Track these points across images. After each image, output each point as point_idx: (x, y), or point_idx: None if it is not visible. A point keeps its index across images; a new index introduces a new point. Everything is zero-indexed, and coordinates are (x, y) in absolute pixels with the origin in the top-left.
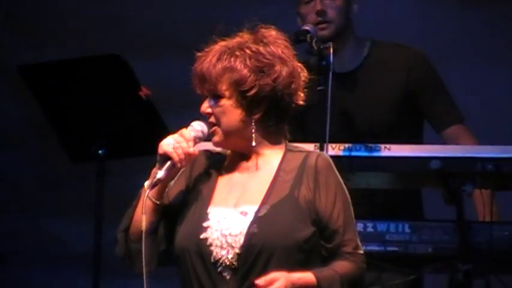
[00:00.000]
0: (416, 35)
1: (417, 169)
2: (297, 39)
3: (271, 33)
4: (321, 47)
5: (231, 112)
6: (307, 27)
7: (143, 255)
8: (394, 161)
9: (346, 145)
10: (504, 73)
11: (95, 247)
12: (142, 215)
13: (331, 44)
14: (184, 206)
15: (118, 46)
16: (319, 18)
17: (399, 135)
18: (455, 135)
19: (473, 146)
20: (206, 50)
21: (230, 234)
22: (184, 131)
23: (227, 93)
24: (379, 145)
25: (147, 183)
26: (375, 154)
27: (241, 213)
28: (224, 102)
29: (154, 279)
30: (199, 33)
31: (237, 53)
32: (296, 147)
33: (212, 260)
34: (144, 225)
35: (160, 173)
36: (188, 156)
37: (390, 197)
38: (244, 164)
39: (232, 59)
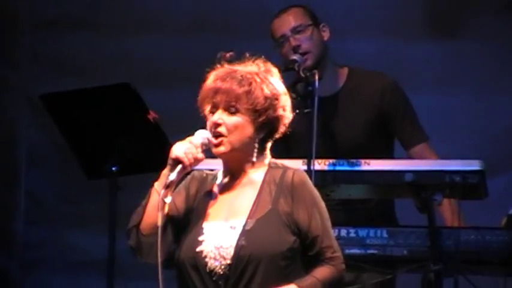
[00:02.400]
0: (386, 64)
1: (393, 181)
2: (286, 67)
3: (272, 66)
4: (307, 74)
5: (243, 127)
6: (294, 57)
7: (159, 249)
8: (373, 174)
9: (331, 161)
10: (464, 96)
11: (109, 254)
12: (158, 212)
13: (316, 71)
14: (184, 220)
15: (128, 76)
16: (297, 54)
17: (373, 154)
18: (420, 152)
19: (442, 161)
20: (220, 67)
21: (222, 247)
22: (192, 138)
23: (243, 111)
24: (360, 160)
25: (157, 184)
26: (356, 168)
27: (231, 227)
28: (240, 116)
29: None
30: (199, 65)
31: (257, 79)
32: (276, 164)
33: (207, 270)
34: (160, 221)
35: (172, 176)
36: (196, 161)
37: (367, 205)
38: (234, 181)
39: (254, 84)
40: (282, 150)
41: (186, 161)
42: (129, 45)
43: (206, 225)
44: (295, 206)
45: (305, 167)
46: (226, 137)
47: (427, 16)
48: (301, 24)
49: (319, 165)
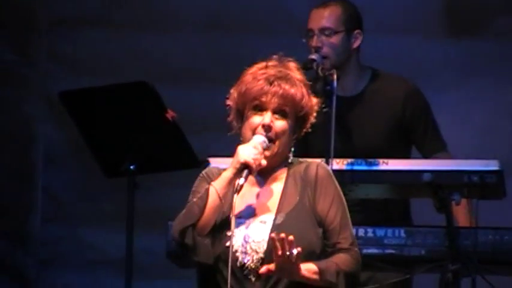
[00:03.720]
0: (404, 63)
1: (411, 181)
2: (305, 67)
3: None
4: (326, 73)
5: (288, 132)
6: (313, 57)
7: (230, 253)
8: (390, 174)
9: (349, 160)
10: (483, 96)
11: (127, 252)
12: (232, 217)
13: (335, 71)
14: None
15: (145, 74)
16: (317, 53)
17: (390, 157)
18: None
19: (461, 161)
20: (261, 66)
21: (254, 241)
22: (255, 143)
23: (290, 115)
24: (378, 160)
25: (215, 184)
26: (374, 168)
27: (261, 222)
28: (287, 121)
29: (178, 280)
30: (216, 64)
31: (302, 81)
32: (298, 159)
33: (238, 264)
34: (233, 225)
35: (242, 180)
36: (259, 166)
37: (384, 205)
38: (259, 177)
39: (304, 90)
40: (301, 148)
41: (254, 167)
42: (146, 43)
43: (234, 220)
44: (317, 197)
45: None
46: (274, 142)
47: (445, 15)
48: (330, 28)
49: (337, 164)
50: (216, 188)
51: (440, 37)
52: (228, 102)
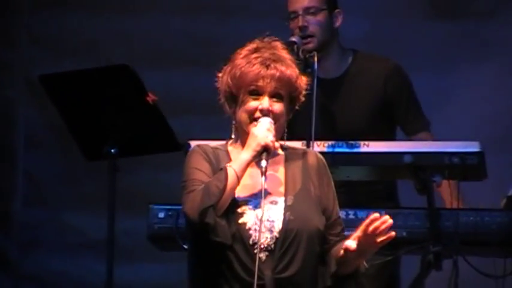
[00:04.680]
0: (383, 44)
1: (392, 163)
2: (285, 49)
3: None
4: (307, 56)
5: (284, 115)
6: (294, 39)
7: (259, 234)
8: (372, 156)
9: (330, 142)
10: (463, 77)
11: (109, 235)
12: (262, 200)
13: (315, 53)
14: None
15: (127, 57)
16: (301, 33)
17: (374, 137)
18: (422, 139)
19: (441, 142)
20: (251, 49)
21: (268, 220)
22: (267, 125)
23: (285, 97)
24: (359, 142)
25: (233, 165)
26: (355, 150)
27: (271, 202)
28: (282, 103)
29: (159, 263)
30: (197, 46)
31: (289, 62)
32: (287, 145)
33: (251, 242)
34: (263, 207)
35: (264, 162)
36: (275, 148)
37: (369, 187)
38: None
39: (294, 68)
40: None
41: (272, 149)
42: (127, 25)
43: (243, 199)
44: (322, 189)
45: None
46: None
47: None
48: (314, 6)
49: (318, 147)
50: (235, 169)
51: (420, 19)
52: (218, 85)
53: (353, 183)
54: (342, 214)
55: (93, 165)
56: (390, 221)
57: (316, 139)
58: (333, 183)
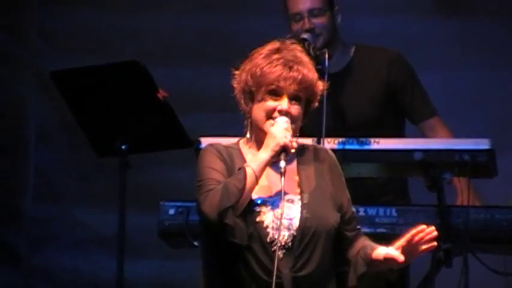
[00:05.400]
0: (393, 42)
1: (402, 160)
2: None
3: None
4: (318, 53)
5: (301, 117)
6: (305, 36)
7: (279, 232)
8: (382, 153)
9: (340, 139)
10: (473, 75)
11: (119, 231)
12: (282, 200)
13: (326, 50)
14: None
15: (137, 53)
16: (308, 33)
17: (382, 129)
18: (431, 126)
19: (452, 139)
20: (272, 49)
21: (285, 218)
22: (285, 125)
23: (303, 100)
24: (369, 139)
25: (252, 165)
26: (366, 147)
27: (288, 200)
28: (300, 105)
29: (170, 259)
30: (207, 43)
31: (310, 66)
32: (297, 141)
33: (268, 240)
34: (282, 208)
35: (283, 163)
36: (293, 147)
37: (378, 182)
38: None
39: (314, 71)
40: None
41: (291, 149)
42: (138, 22)
43: (260, 197)
44: (335, 185)
45: None
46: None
47: None
48: (318, 8)
49: (329, 143)
50: (254, 169)
51: (431, 16)
52: (235, 83)
53: (364, 179)
54: (354, 212)
55: (104, 161)
56: (435, 232)
57: (327, 135)
58: (343, 179)
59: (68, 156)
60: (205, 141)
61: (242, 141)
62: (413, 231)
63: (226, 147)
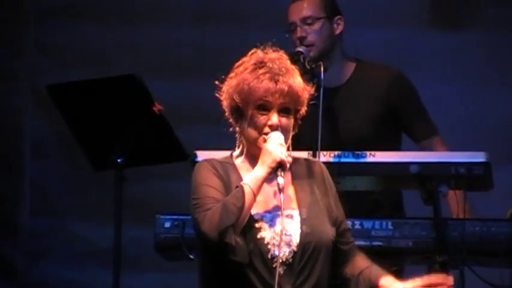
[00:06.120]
0: (390, 55)
1: (398, 173)
2: (292, 59)
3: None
4: (313, 66)
5: (291, 128)
6: (300, 49)
7: (279, 247)
8: (378, 166)
9: (336, 152)
10: (468, 87)
11: (115, 245)
12: (282, 217)
13: (321, 63)
14: None
15: (133, 67)
16: (302, 45)
17: (379, 147)
18: (431, 145)
19: (448, 152)
20: (257, 62)
21: (285, 234)
22: (280, 141)
23: (293, 111)
24: (365, 152)
25: (249, 183)
26: (361, 160)
27: (287, 216)
28: (290, 117)
29: (166, 272)
30: (205, 56)
31: (295, 74)
32: (289, 155)
33: (269, 256)
34: (282, 223)
35: (281, 179)
36: (289, 162)
37: (373, 196)
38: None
39: (300, 80)
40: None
41: (287, 165)
42: (134, 35)
43: (257, 213)
44: (329, 198)
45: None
46: None
47: (431, 7)
48: (311, 16)
49: (325, 157)
50: (251, 187)
51: (426, 28)
52: (222, 99)
53: (358, 192)
54: (348, 224)
55: (100, 174)
56: (452, 282)
57: (323, 149)
58: (336, 191)
59: (64, 169)
60: (201, 155)
61: (235, 154)
62: (433, 279)
63: (221, 162)
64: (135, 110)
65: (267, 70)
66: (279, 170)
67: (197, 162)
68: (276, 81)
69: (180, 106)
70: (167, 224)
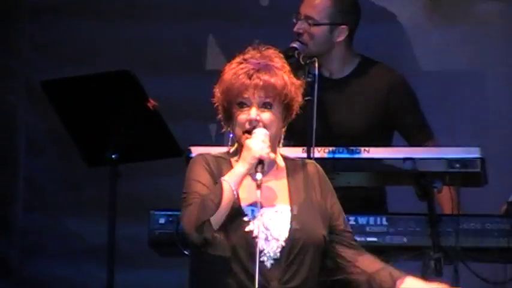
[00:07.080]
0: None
1: (393, 169)
2: (287, 55)
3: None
4: (307, 61)
5: (276, 122)
6: (294, 45)
7: (258, 246)
8: (372, 162)
9: (330, 148)
10: (466, 84)
11: (109, 241)
12: (259, 213)
13: (315, 59)
14: None
15: (128, 63)
16: (297, 41)
17: (369, 142)
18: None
19: (442, 148)
20: (240, 60)
21: (274, 229)
22: (262, 137)
23: (276, 105)
24: (359, 148)
25: (228, 179)
26: (356, 156)
27: (276, 211)
28: (274, 112)
29: (160, 268)
30: (199, 53)
31: (282, 68)
32: (287, 156)
33: (257, 250)
34: (260, 219)
35: (260, 175)
36: (270, 159)
37: (363, 192)
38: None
39: (286, 78)
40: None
41: (268, 161)
42: (129, 32)
43: (247, 208)
44: (325, 198)
45: (304, 155)
46: None
47: (428, 3)
48: (313, 18)
49: (319, 153)
50: (230, 183)
51: (422, 24)
52: (214, 101)
53: (348, 188)
54: (348, 225)
55: (94, 170)
56: None
57: (317, 140)
58: (333, 191)
59: (58, 165)
60: (195, 150)
61: (232, 150)
62: None
63: (216, 157)
64: (129, 106)
65: (244, 67)
66: (259, 166)
67: (191, 157)
68: (250, 77)
69: (175, 102)
70: (162, 220)
